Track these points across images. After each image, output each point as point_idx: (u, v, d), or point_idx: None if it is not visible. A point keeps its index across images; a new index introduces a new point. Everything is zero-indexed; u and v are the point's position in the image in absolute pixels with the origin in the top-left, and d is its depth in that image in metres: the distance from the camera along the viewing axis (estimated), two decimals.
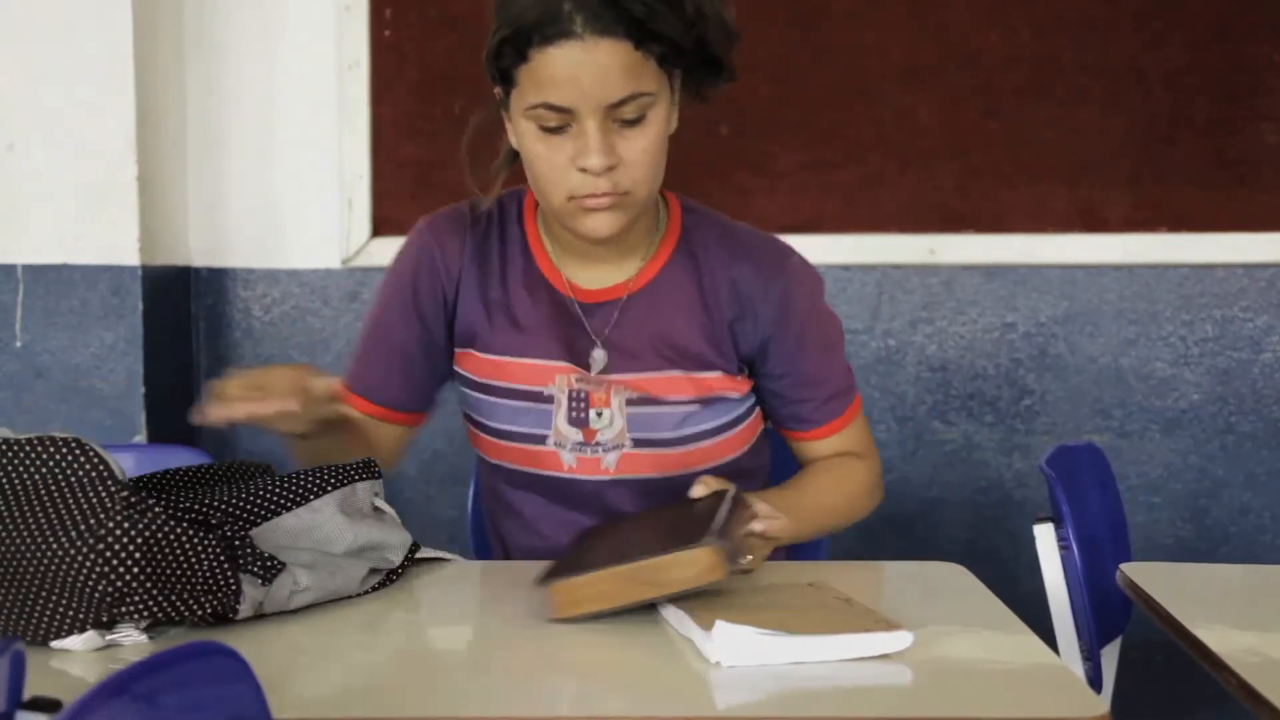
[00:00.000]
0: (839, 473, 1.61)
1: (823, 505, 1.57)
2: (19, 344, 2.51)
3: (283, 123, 2.68)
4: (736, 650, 1.09)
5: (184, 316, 2.68)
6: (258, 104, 2.67)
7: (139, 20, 2.46)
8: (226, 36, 2.66)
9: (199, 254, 2.70)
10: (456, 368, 1.61)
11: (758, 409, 1.64)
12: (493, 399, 1.57)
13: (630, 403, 1.53)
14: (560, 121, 1.39)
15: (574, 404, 1.53)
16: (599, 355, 1.54)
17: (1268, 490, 2.61)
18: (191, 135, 2.68)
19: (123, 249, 2.47)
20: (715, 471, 1.53)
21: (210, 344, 2.71)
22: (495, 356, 1.57)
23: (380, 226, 2.68)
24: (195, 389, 2.71)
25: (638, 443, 1.54)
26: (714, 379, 1.55)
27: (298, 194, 2.69)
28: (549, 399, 1.54)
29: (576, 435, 1.54)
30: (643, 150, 1.40)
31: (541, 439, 1.55)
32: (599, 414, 1.53)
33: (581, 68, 1.35)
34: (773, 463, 1.71)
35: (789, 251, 1.58)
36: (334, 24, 2.65)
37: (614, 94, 1.37)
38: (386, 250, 2.68)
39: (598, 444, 1.54)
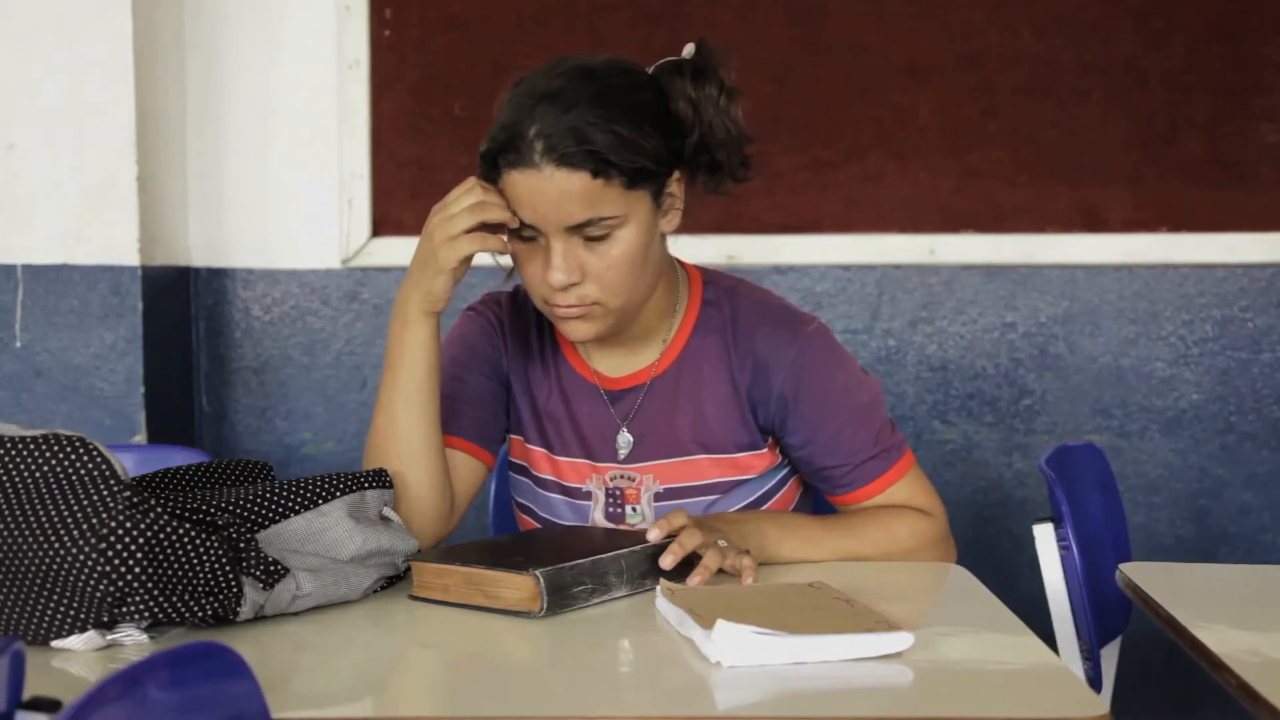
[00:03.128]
0: (882, 516, 1.54)
1: (851, 535, 1.52)
2: (19, 344, 2.51)
3: (283, 122, 2.68)
4: (737, 650, 1.09)
5: (184, 316, 2.68)
6: (258, 104, 2.68)
7: (139, 20, 2.46)
8: (226, 36, 2.66)
9: (199, 254, 2.70)
10: (510, 453, 1.64)
11: (793, 478, 1.62)
12: (534, 487, 1.61)
13: (657, 496, 1.56)
14: (531, 234, 1.43)
15: (610, 500, 1.57)
16: (624, 440, 1.57)
17: (1268, 490, 2.61)
18: (191, 135, 2.68)
19: (122, 249, 2.48)
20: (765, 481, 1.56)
21: (210, 344, 2.71)
22: (534, 448, 1.60)
23: (380, 226, 2.68)
24: (195, 389, 2.71)
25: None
26: (741, 458, 1.55)
27: (297, 194, 2.69)
28: (587, 495, 1.58)
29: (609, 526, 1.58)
30: (609, 267, 1.42)
31: None
32: (634, 509, 1.56)
33: (539, 194, 1.39)
34: None
35: (808, 319, 1.55)
36: (334, 24, 2.65)
37: (572, 219, 1.40)
38: (386, 250, 2.70)
39: None
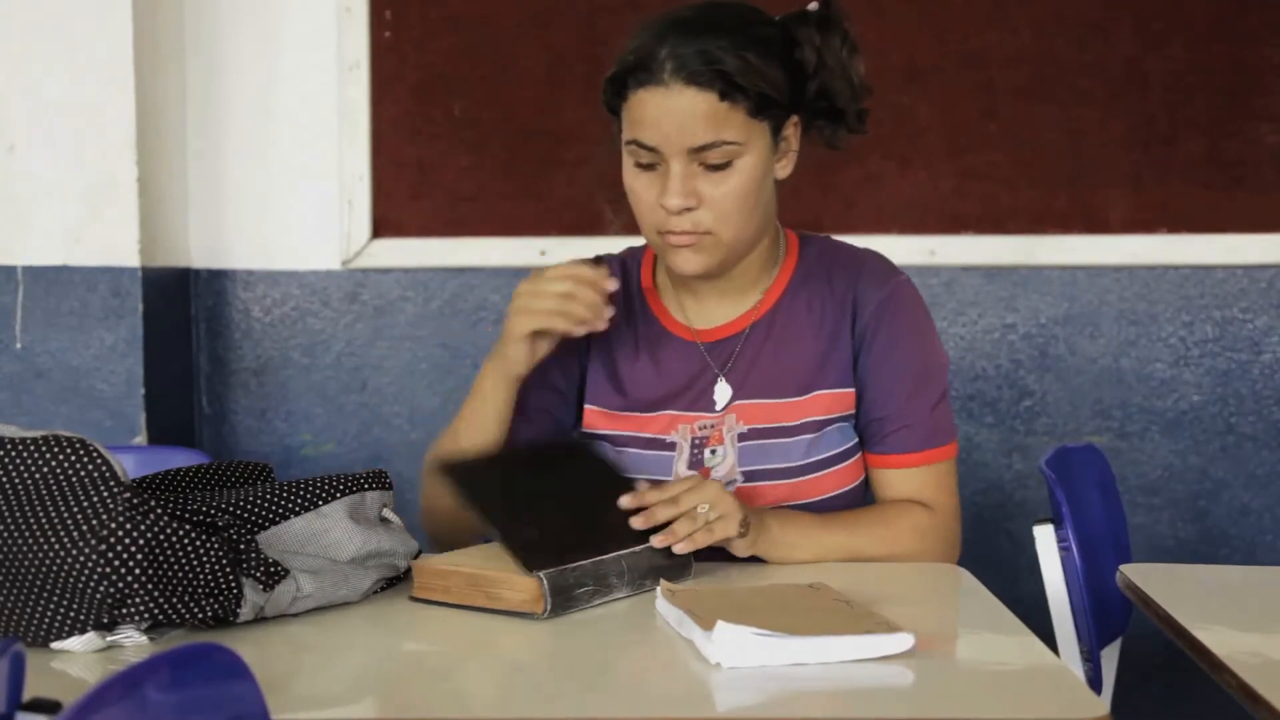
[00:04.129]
0: (894, 513, 1.54)
1: (861, 532, 1.51)
2: (19, 345, 2.51)
3: (283, 124, 2.68)
4: (736, 651, 1.09)
5: (184, 318, 2.68)
6: (258, 105, 2.68)
7: (139, 20, 2.46)
8: (227, 38, 2.66)
9: (199, 255, 2.70)
10: (584, 425, 1.62)
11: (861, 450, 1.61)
12: (617, 448, 1.59)
13: (742, 437, 1.55)
14: (650, 159, 1.46)
15: (694, 450, 1.56)
16: (721, 390, 1.57)
17: (1268, 491, 2.61)
18: (191, 136, 2.68)
19: (123, 250, 2.48)
20: (824, 505, 1.53)
21: (210, 345, 2.71)
22: (620, 412, 1.59)
23: (380, 228, 2.68)
24: (195, 390, 2.71)
25: (749, 476, 1.55)
26: (832, 395, 1.55)
27: (298, 195, 2.69)
28: (671, 445, 1.57)
29: (692, 475, 1.55)
30: (725, 195, 1.46)
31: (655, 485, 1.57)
32: (713, 451, 1.56)
33: (666, 113, 1.43)
34: None
35: (901, 272, 1.61)
36: (334, 25, 2.65)
37: (695, 140, 1.43)
38: (386, 251, 2.70)
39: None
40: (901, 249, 2.62)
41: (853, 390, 1.57)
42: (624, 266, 1.66)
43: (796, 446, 1.55)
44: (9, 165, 2.47)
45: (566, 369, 1.61)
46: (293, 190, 2.69)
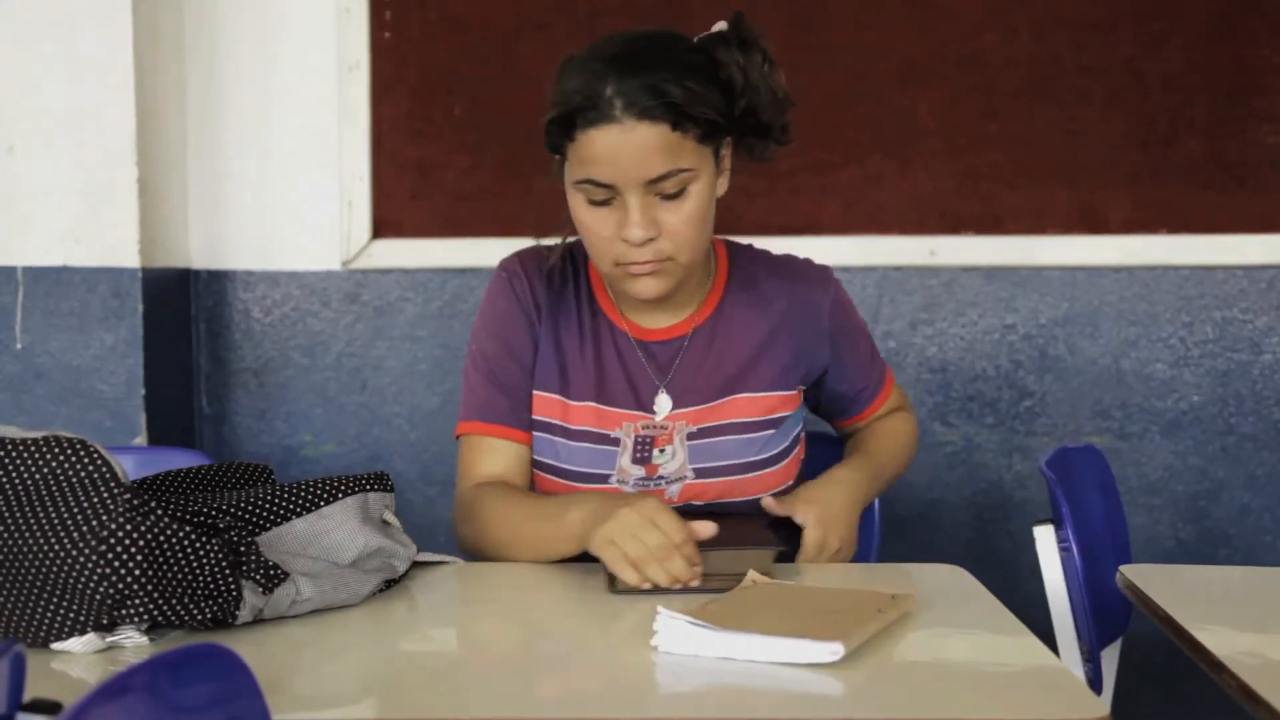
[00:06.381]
0: (890, 428, 1.77)
1: (890, 462, 1.74)
2: (19, 346, 2.51)
3: (283, 124, 2.68)
4: (673, 637, 1.14)
5: (184, 318, 2.68)
6: (258, 105, 2.68)
7: (139, 21, 2.46)
8: (227, 38, 2.66)
9: (199, 256, 2.70)
10: (533, 411, 1.63)
11: (802, 436, 1.70)
12: (557, 439, 1.61)
13: (691, 436, 1.59)
14: (605, 195, 1.48)
15: (639, 446, 1.59)
16: (663, 400, 1.60)
17: (1268, 492, 2.61)
18: (191, 137, 2.68)
19: (123, 251, 2.48)
20: (756, 505, 1.61)
21: (210, 346, 2.71)
22: (566, 400, 1.61)
23: (380, 228, 2.68)
24: (195, 391, 2.71)
25: (700, 473, 1.59)
26: (774, 398, 1.62)
27: (298, 196, 2.69)
28: (615, 441, 1.60)
29: (639, 471, 1.60)
30: (683, 221, 1.49)
31: (605, 478, 1.59)
32: (662, 450, 1.59)
33: (621, 149, 1.44)
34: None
35: (828, 269, 1.70)
36: (334, 25, 2.65)
37: (652, 172, 1.46)
38: (386, 252, 2.70)
39: (660, 477, 1.59)
40: (901, 249, 2.62)
41: (794, 391, 1.65)
42: (573, 258, 1.67)
43: (735, 445, 1.60)
44: (9, 166, 2.47)
45: (529, 349, 1.63)
46: (293, 190, 2.69)
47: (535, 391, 1.62)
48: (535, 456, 1.63)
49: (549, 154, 1.55)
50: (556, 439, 1.60)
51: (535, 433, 1.62)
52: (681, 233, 1.49)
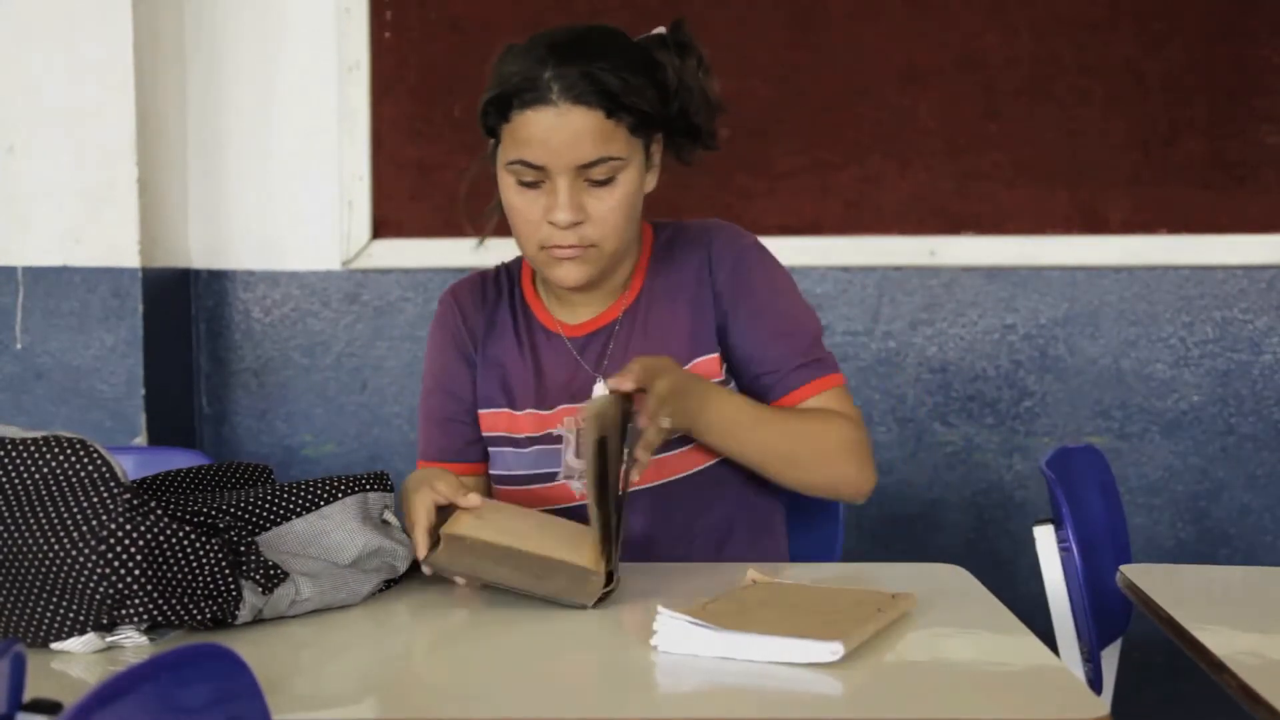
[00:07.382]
0: (807, 414, 1.58)
1: (777, 431, 1.55)
2: (19, 346, 2.51)
3: (283, 124, 2.68)
4: (673, 637, 1.13)
5: (184, 318, 2.68)
6: (258, 106, 2.68)
7: (139, 21, 2.46)
8: (227, 38, 2.66)
9: (199, 256, 2.71)
10: (483, 429, 1.66)
11: None
12: (506, 450, 1.63)
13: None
14: (535, 178, 1.51)
15: (580, 438, 1.59)
16: (599, 389, 1.59)
17: (1268, 492, 2.61)
18: (192, 137, 2.68)
19: (123, 251, 2.48)
20: (684, 483, 1.58)
21: (210, 346, 2.71)
22: (512, 411, 1.63)
23: (380, 228, 2.68)
24: (195, 391, 2.71)
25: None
26: (699, 364, 1.59)
27: (298, 196, 2.69)
28: (557, 439, 1.61)
29: (583, 464, 1.56)
30: (610, 209, 1.52)
31: (551, 477, 1.60)
32: None
33: (554, 131, 1.48)
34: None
35: (749, 234, 1.65)
36: (334, 26, 2.65)
37: (584, 157, 1.49)
38: (386, 252, 2.70)
39: None
40: (901, 249, 2.62)
41: (717, 355, 1.60)
42: (508, 275, 1.71)
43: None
44: (9, 166, 2.47)
45: (464, 381, 1.66)
46: (293, 191, 2.69)
47: (481, 411, 1.65)
48: (490, 471, 1.66)
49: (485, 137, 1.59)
50: (505, 450, 1.63)
51: (490, 448, 1.65)
52: (607, 220, 1.51)
